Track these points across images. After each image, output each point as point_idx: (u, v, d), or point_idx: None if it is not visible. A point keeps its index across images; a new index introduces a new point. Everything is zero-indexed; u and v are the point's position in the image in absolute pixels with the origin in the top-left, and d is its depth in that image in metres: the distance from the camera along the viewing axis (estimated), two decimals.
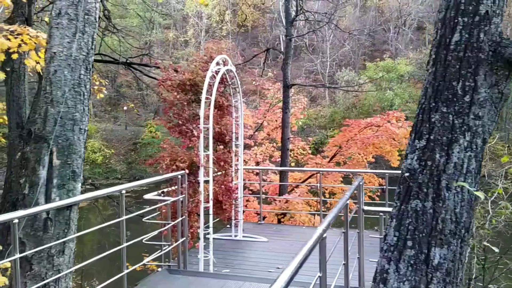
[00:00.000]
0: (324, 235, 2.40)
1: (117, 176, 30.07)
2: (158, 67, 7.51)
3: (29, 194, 3.66)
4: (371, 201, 10.49)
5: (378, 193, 11.27)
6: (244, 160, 10.66)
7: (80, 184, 3.86)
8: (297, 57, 36.18)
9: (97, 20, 4.06)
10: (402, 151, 10.73)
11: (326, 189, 11.75)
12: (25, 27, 4.40)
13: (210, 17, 38.04)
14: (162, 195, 5.49)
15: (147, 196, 5.29)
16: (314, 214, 10.39)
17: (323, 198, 8.35)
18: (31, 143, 3.76)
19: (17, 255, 3.08)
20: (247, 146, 12.61)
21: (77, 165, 3.84)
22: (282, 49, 16.93)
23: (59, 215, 3.65)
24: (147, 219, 5.23)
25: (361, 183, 4.30)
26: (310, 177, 12.03)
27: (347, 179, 13.20)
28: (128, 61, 9.43)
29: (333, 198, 11.60)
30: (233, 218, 6.83)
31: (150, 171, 29.92)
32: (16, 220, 3.12)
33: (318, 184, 8.07)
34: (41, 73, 4.90)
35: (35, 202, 3.57)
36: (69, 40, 3.82)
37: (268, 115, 13.97)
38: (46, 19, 7.73)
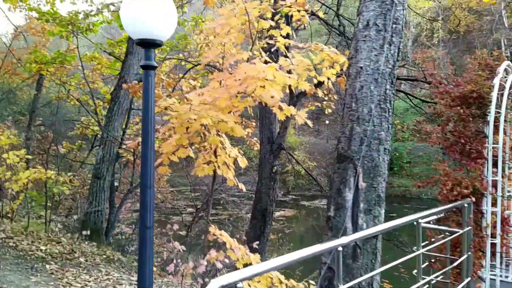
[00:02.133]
0: None
1: (318, 189, 30.65)
2: (429, 82, 6.89)
3: (335, 217, 3.46)
4: None
5: None
6: None
7: (384, 210, 3.49)
8: None
9: (403, 28, 3.68)
10: None
11: None
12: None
13: (419, 25, 35.79)
14: (440, 224, 4.80)
15: (425, 224, 4.68)
16: None
17: None
18: (335, 162, 3.58)
19: (341, 286, 2.85)
20: None
21: (382, 189, 3.48)
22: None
23: (366, 243, 3.34)
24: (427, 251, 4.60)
25: None
26: None
27: None
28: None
29: None
30: (503, 255, 5.65)
31: None
32: (340, 248, 2.91)
33: None
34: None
35: (343, 227, 3.33)
36: (377, 53, 3.53)
37: None
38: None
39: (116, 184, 11.55)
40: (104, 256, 7.55)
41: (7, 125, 9.07)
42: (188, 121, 3.57)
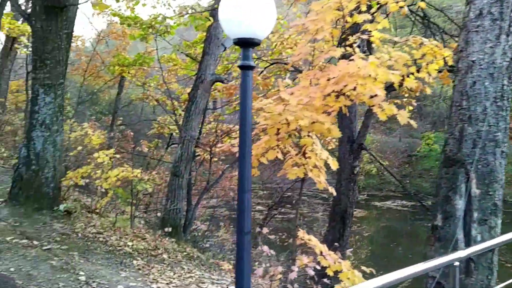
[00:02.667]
0: None
1: (390, 189, 29.48)
2: None
3: (443, 226, 3.14)
4: None
5: None
6: None
7: (500, 221, 3.11)
8: None
9: None
10: None
11: None
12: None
13: None
14: None
15: None
16: None
17: None
18: (441, 167, 3.26)
19: None
20: None
21: (498, 197, 3.11)
22: None
23: (481, 257, 2.99)
24: None
25: None
26: None
27: None
28: None
29: None
30: None
31: (426, 186, 28.14)
32: (457, 263, 2.62)
33: None
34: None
35: (455, 239, 3.01)
36: (492, 45, 3.15)
37: None
38: None
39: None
40: (185, 253, 7.72)
41: (97, 125, 9.69)
42: (280, 122, 3.45)
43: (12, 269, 4.77)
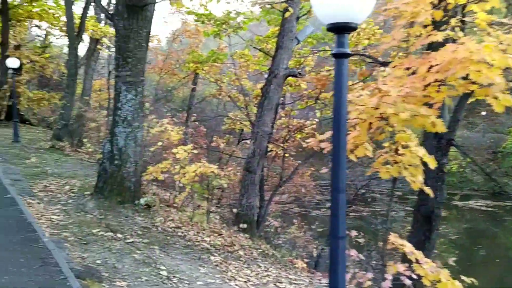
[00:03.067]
0: None
1: (473, 187, 27.45)
2: None
3: None
4: None
5: None
6: None
7: None
8: None
9: None
10: None
11: None
12: None
13: None
14: None
15: None
16: None
17: None
18: None
19: None
20: None
21: None
22: None
23: None
24: None
25: None
26: None
27: None
28: None
29: None
30: None
31: None
32: None
33: None
34: None
35: None
36: None
37: None
38: None
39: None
40: (260, 250, 7.63)
41: (174, 120, 9.99)
42: (374, 116, 3.13)
43: (98, 261, 4.93)
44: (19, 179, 8.54)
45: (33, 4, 18.42)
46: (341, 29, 2.58)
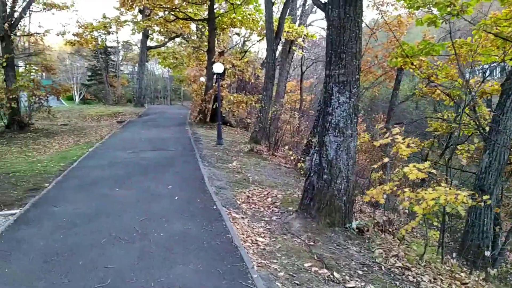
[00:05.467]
0: None
1: None
2: None
3: None
4: None
5: None
6: None
7: None
8: None
9: None
10: None
11: None
12: None
13: None
14: None
15: None
16: None
17: None
18: None
19: None
20: None
21: None
22: None
23: None
24: None
25: None
26: None
27: None
28: None
29: None
30: None
31: None
32: None
33: None
34: None
35: None
36: None
37: None
38: None
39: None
40: None
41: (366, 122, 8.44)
42: None
43: None
44: (223, 187, 8.29)
45: (235, 12, 19.27)
46: None
